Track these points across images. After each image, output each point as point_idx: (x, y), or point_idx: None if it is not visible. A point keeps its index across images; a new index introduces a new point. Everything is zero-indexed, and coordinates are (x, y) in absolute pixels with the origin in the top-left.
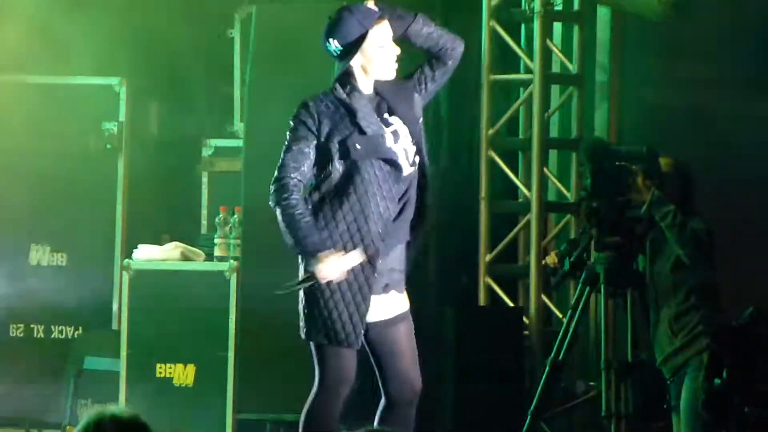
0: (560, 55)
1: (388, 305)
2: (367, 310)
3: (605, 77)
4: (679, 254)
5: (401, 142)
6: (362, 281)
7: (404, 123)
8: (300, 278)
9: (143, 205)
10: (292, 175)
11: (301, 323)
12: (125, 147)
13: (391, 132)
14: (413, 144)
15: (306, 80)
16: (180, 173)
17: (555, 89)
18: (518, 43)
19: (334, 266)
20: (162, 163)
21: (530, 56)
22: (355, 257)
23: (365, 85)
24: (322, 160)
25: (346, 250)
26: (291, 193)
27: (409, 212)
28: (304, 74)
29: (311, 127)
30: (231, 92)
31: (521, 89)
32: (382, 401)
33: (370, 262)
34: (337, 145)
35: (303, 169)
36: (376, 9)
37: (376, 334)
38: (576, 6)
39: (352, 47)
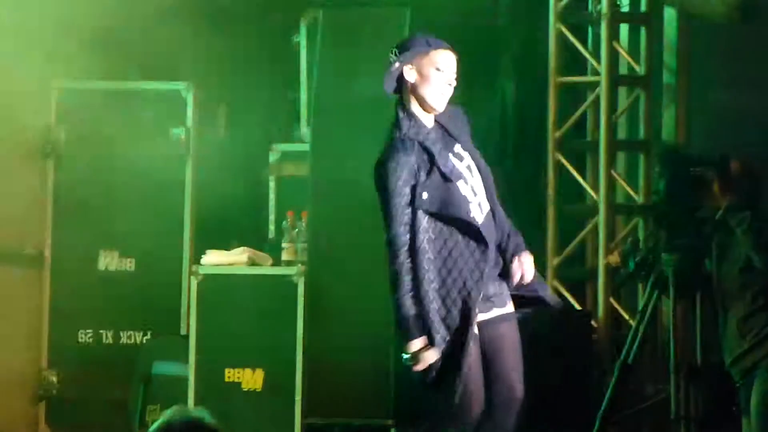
0: (627, 56)
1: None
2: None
3: (672, 79)
4: (751, 258)
5: (474, 177)
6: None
7: (470, 154)
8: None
9: (211, 210)
10: (403, 229)
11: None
12: (193, 152)
13: (466, 167)
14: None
15: (371, 85)
16: (247, 178)
17: (622, 91)
18: (585, 45)
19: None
20: (229, 168)
21: (597, 58)
22: (432, 356)
23: (425, 120)
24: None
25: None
26: (402, 254)
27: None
28: (369, 79)
29: (411, 182)
30: (297, 97)
31: (588, 91)
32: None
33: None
34: (420, 199)
35: (408, 234)
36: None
37: (480, 332)
38: (643, 7)
39: (408, 54)
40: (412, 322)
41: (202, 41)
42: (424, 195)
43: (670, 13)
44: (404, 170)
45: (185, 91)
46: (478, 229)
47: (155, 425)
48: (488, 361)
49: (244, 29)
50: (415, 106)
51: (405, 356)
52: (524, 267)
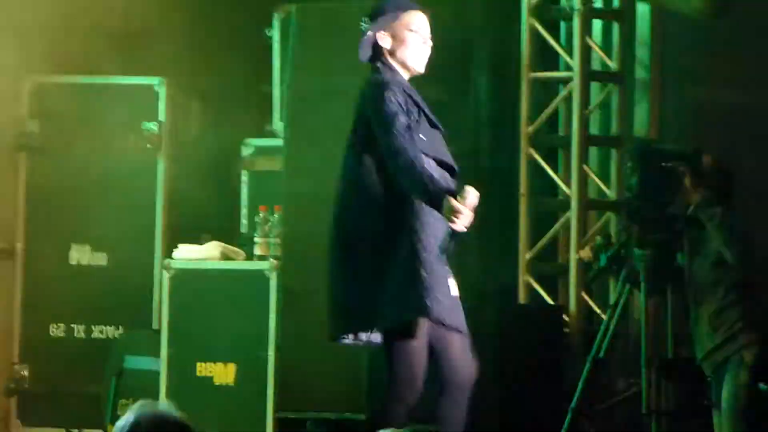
0: (600, 52)
1: (453, 285)
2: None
3: (645, 74)
4: (723, 253)
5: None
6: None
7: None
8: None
9: (183, 204)
10: (406, 139)
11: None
12: (165, 147)
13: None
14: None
15: (346, 79)
16: (220, 173)
17: (595, 86)
18: (558, 41)
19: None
20: (202, 162)
21: (570, 54)
22: (473, 193)
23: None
24: None
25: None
26: (412, 152)
27: None
28: (343, 74)
29: (398, 103)
30: (270, 92)
31: (561, 87)
32: (439, 389)
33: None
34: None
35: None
36: (416, 5)
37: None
38: (616, 3)
39: (380, 20)
40: (437, 182)
41: (175, 35)
42: (422, 136)
43: (643, 9)
44: (401, 102)
45: (158, 86)
46: (456, 173)
47: (122, 421)
48: (445, 343)
49: (217, 23)
50: (395, 64)
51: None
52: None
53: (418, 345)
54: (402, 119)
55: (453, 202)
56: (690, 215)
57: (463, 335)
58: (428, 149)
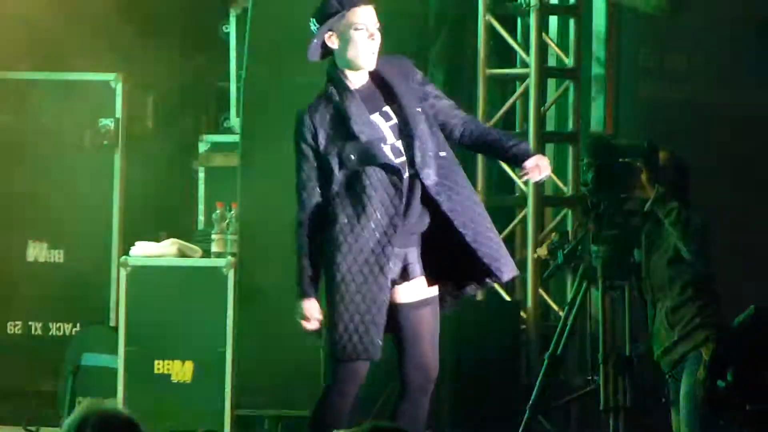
0: (556, 48)
1: (413, 289)
2: (384, 321)
3: (601, 70)
4: (680, 249)
5: (403, 135)
6: (375, 291)
7: (408, 108)
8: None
9: (140, 201)
10: (305, 209)
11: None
12: (121, 143)
13: (390, 127)
14: (413, 136)
15: (302, 75)
16: (176, 169)
17: (551, 83)
18: (514, 37)
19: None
20: (158, 158)
21: (526, 50)
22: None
23: (355, 78)
24: (326, 169)
25: (340, 244)
26: (300, 229)
27: (414, 216)
28: (300, 69)
29: (310, 141)
30: (227, 87)
31: (517, 83)
32: (400, 388)
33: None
34: (336, 157)
35: (317, 189)
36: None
37: (402, 316)
38: None
39: (324, 20)
40: (298, 285)
41: (131, 31)
42: (352, 156)
43: (599, 4)
44: (311, 133)
45: (114, 81)
46: (395, 167)
47: (70, 419)
48: (407, 344)
49: (173, 19)
50: (345, 69)
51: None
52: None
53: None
54: (301, 175)
55: (304, 308)
56: (646, 211)
57: (430, 334)
58: (359, 162)
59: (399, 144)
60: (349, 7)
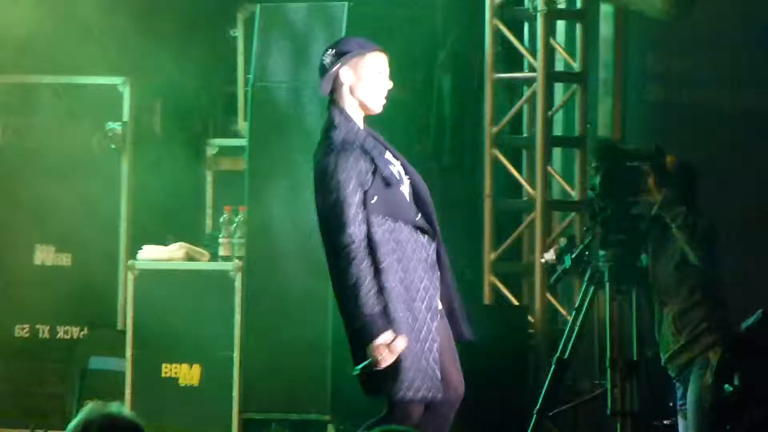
0: (563, 53)
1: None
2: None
3: (608, 74)
4: (686, 253)
5: (404, 183)
6: (426, 332)
7: (400, 162)
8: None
9: (147, 204)
10: (359, 230)
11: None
12: (129, 147)
13: (397, 172)
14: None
15: (308, 78)
16: (184, 173)
17: (558, 87)
18: (521, 42)
19: (389, 354)
20: (166, 162)
21: (533, 54)
22: (402, 343)
23: (359, 120)
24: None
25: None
26: (355, 247)
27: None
28: (306, 73)
29: (352, 173)
30: (234, 92)
31: (525, 87)
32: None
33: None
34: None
35: (363, 224)
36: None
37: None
38: (579, 4)
39: (345, 57)
40: (378, 317)
41: (139, 35)
42: (374, 199)
43: (606, 9)
44: (353, 175)
45: (122, 85)
46: (423, 223)
47: (74, 422)
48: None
49: (181, 23)
50: (351, 108)
51: (360, 367)
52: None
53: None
54: (351, 209)
55: (379, 345)
56: (654, 215)
57: (452, 349)
58: (382, 208)
59: (404, 188)
60: (371, 50)
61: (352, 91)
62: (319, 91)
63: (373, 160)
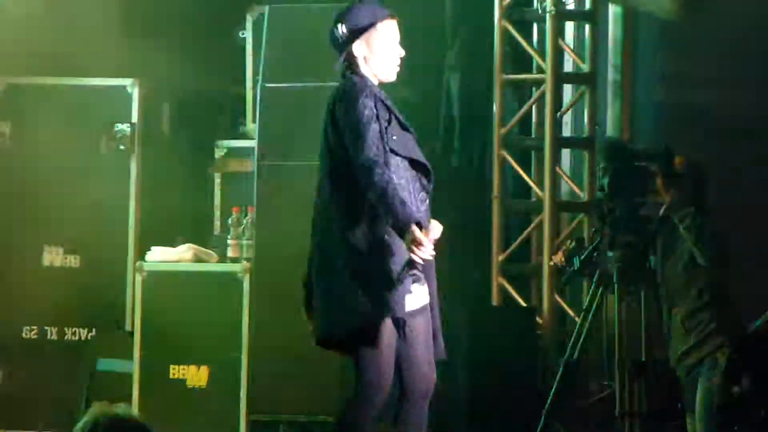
0: (572, 54)
1: (417, 297)
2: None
3: (618, 76)
4: (694, 254)
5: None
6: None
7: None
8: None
9: (156, 206)
10: (379, 152)
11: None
12: (138, 148)
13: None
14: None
15: (318, 81)
16: (192, 174)
17: (567, 88)
18: (530, 43)
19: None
20: (174, 164)
21: (542, 56)
22: (438, 228)
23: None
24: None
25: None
26: (384, 170)
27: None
28: (315, 75)
29: (373, 108)
30: (243, 93)
31: (533, 88)
32: (400, 394)
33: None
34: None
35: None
36: (389, 11)
37: (408, 327)
38: (588, 5)
39: (358, 32)
40: (411, 211)
41: (148, 36)
42: (394, 137)
43: (615, 10)
44: (375, 106)
45: (131, 87)
46: (430, 172)
47: (80, 423)
48: (406, 349)
49: (189, 24)
50: (366, 71)
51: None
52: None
53: (387, 349)
54: (374, 127)
55: (417, 233)
56: (662, 216)
57: (426, 341)
58: (401, 149)
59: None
60: (381, 19)
61: (366, 61)
62: (334, 66)
63: (389, 110)
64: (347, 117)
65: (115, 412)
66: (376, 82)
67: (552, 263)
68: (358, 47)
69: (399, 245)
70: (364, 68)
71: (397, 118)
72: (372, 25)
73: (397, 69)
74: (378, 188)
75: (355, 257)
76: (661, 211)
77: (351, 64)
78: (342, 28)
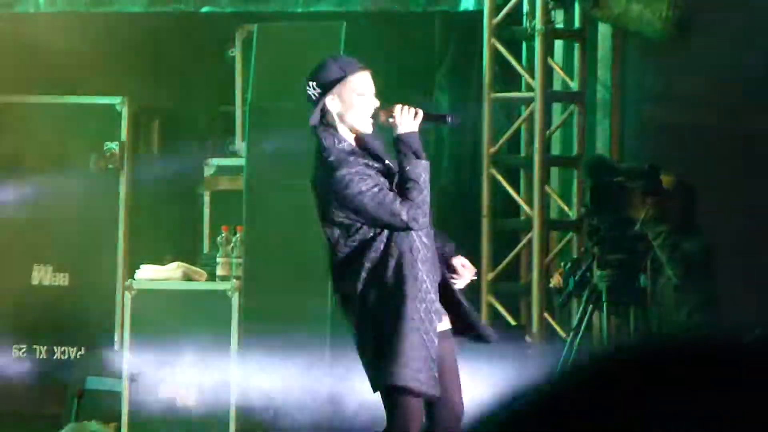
0: (561, 72)
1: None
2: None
3: (606, 95)
4: (669, 271)
5: None
6: (427, 318)
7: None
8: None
9: (145, 224)
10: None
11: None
12: (127, 166)
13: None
14: None
15: (306, 99)
16: (182, 192)
17: (556, 107)
18: (519, 61)
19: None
20: (163, 182)
21: (531, 74)
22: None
23: (350, 140)
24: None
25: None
26: (399, 210)
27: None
28: (304, 93)
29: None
30: (232, 111)
31: (523, 107)
32: (425, 424)
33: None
34: None
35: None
36: (360, 64)
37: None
38: (577, 24)
39: (329, 85)
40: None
41: (137, 55)
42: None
43: (604, 29)
44: (361, 171)
45: (120, 105)
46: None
47: None
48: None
49: (179, 43)
50: (342, 131)
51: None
52: (467, 267)
53: (416, 399)
54: (369, 193)
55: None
56: (637, 232)
57: (451, 368)
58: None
59: None
60: (351, 72)
61: (341, 118)
62: (310, 119)
63: (366, 163)
64: (340, 197)
65: (90, 430)
66: (352, 137)
67: (552, 285)
68: (331, 102)
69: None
70: (339, 124)
71: (373, 159)
72: (343, 78)
73: (372, 120)
74: (407, 211)
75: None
76: (636, 228)
77: (325, 120)
78: (313, 85)
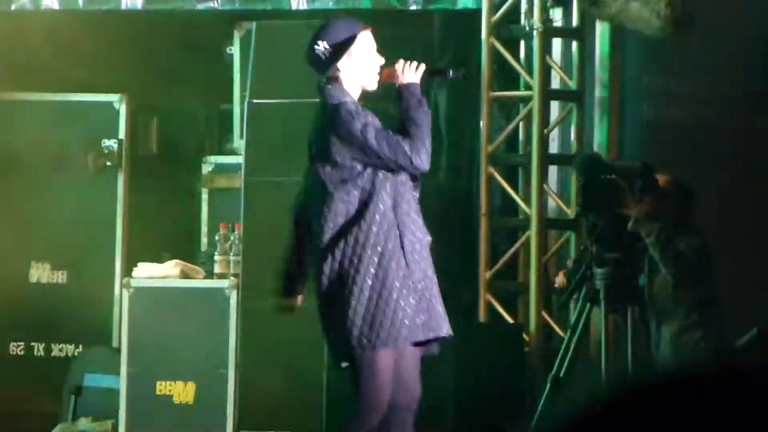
0: (559, 71)
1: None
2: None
3: (605, 93)
4: (662, 269)
5: None
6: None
7: None
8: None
9: (143, 222)
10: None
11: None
12: (125, 164)
13: None
14: None
15: (305, 97)
16: (180, 190)
17: (554, 105)
18: (517, 60)
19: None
20: (162, 180)
21: (530, 73)
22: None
23: (357, 97)
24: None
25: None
26: (403, 147)
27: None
28: (302, 91)
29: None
30: (230, 109)
31: (521, 105)
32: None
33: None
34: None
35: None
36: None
37: None
38: (575, 22)
39: (341, 47)
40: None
41: (135, 52)
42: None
43: (602, 28)
44: (359, 110)
45: (118, 103)
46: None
47: None
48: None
49: (177, 40)
50: (351, 88)
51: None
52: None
53: (386, 369)
54: (371, 129)
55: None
56: (629, 230)
57: (412, 353)
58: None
59: None
60: (359, 31)
61: (351, 76)
62: (317, 80)
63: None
64: (346, 135)
65: (79, 429)
66: (358, 92)
67: (557, 285)
68: (343, 63)
69: (396, 271)
70: (348, 83)
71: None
72: (353, 37)
73: (377, 77)
74: (409, 148)
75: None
76: (629, 226)
77: (333, 80)
78: (324, 45)
